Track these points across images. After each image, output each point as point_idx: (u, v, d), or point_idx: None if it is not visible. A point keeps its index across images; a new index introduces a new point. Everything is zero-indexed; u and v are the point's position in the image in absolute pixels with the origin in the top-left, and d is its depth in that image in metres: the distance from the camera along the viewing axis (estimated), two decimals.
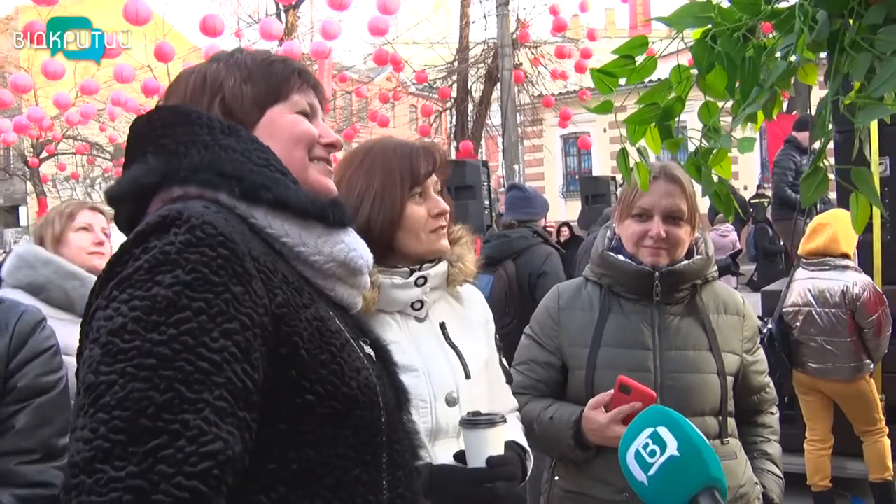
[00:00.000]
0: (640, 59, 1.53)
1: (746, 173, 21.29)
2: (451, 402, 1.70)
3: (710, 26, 1.40)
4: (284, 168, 1.18)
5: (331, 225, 1.20)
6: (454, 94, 18.23)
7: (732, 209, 1.66)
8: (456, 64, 18.10)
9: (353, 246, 1.22)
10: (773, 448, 2.23)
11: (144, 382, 0.91)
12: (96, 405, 0.91)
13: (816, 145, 1.37)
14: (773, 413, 2.27)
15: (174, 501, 0.87)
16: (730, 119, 1.57)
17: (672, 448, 1.40)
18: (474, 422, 1.57)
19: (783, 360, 4.57)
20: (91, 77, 15.49)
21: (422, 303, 1.76)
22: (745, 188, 18.99)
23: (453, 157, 14.64)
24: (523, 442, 1.81)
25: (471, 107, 18.22)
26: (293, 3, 19.03)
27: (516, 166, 16.38)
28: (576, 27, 19.05)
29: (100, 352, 0.95)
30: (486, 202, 8.70)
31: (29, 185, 28.24)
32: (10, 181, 32.67)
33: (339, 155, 1.58)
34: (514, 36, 16.24)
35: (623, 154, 1.68)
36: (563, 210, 23.04)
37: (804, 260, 4.66)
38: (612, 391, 1.93)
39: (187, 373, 0.93)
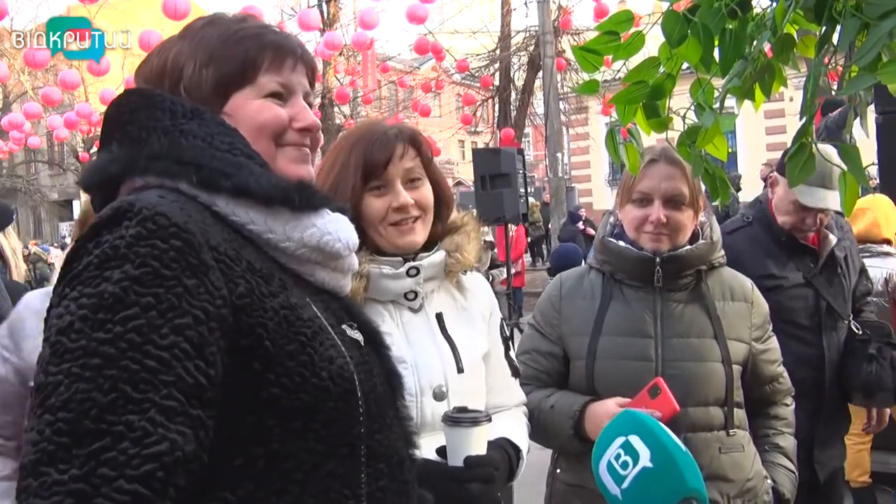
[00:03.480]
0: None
1: None
2: (439, 395, 1.64)
3: None
4: (251, 151, 1.12)
5: (298, 209, 1.14)
6: (496, 82, 18.12)
7: (728, 192, 1.59)
8: (498, 52, 17.99)
9: (326, 229, 1.16)
10: (787, 441, 2.13)
11: (88, 383, 0.89)
12: (43, 406, 0.90)
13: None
14: (787, 404, 2.17)
15: None
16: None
17: (645, 459, 1.33)
18: (457, 419, 1.50)
19: None
20: None
21: (415, 293, 1.69)
22: None
23: (497, 145, 14.55)
24: (519, 440, 1.71)
25: (513, 95, 18.11)
26: None
27: (559, 154, 16.24)
28: None
29: (49, 351, 0.93)
30: (522, 190, 8.59)
31: None
32: (64, 176, 33.56)
33: None
34: (556, 23, 16.08)
35: (611, 136, 1.62)
36: (609, 198, 22.75)
37: None
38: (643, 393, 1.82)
39: (133, 372, 0.90)
